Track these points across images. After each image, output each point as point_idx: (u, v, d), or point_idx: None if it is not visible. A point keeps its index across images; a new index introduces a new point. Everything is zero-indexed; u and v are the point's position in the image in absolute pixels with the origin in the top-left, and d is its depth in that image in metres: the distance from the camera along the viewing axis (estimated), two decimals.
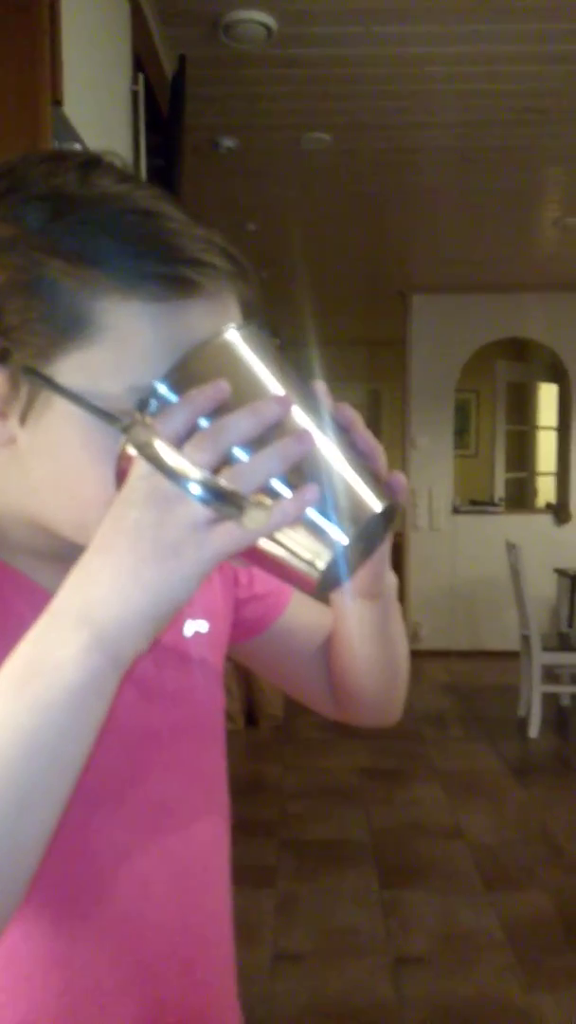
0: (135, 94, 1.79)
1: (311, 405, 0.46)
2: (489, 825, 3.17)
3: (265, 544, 0.44)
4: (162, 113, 2.16)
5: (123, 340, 0.45)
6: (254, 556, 0.45)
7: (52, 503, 0.50)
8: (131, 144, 1.77)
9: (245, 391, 0.44)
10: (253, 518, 0.41)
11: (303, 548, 0.44)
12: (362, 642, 0.68)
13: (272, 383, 0.45)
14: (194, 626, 0.65)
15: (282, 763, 3.77)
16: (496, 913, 2.55)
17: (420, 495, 5.70)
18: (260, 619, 0.74)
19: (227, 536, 0.41)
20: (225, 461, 0.42)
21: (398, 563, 5.65)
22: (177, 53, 2.25)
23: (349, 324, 6.75)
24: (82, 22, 1.44)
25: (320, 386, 0.48)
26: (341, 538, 0.44)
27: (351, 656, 0.70)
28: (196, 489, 0.41)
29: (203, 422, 0.43)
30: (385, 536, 0.53)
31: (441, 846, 3.00)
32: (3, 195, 0.47)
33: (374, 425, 7.58)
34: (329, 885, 2.74)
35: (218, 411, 0.43)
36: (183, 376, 0.44)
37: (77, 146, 1.34)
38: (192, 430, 0.42)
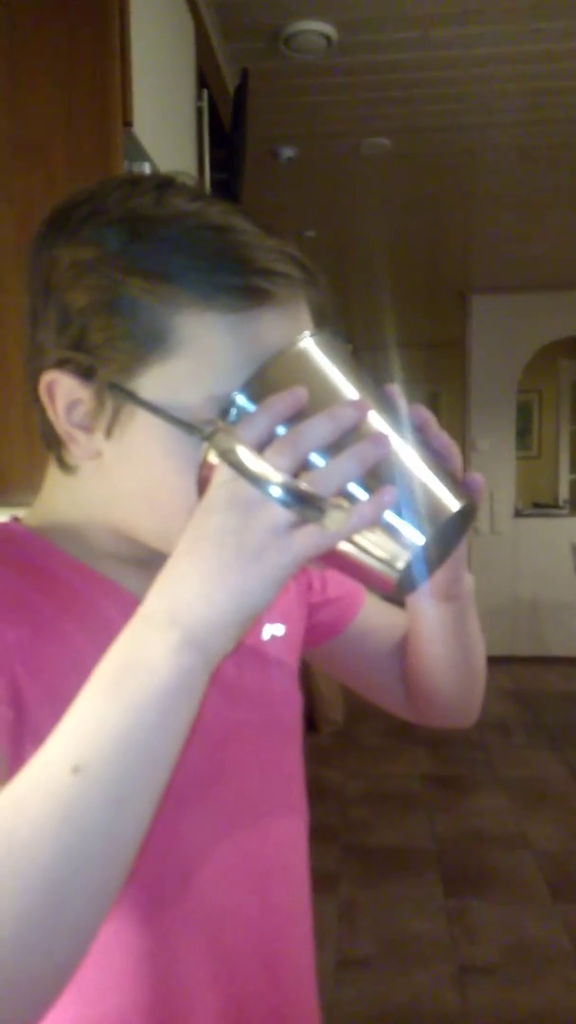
0: (199, 110, 1.83)
1: (386, 408, 0.47)
2: (555, 834, 3.11)
3: (344, 547, 0.45)
4: (224, 126, 2.19)
5: (201, 351, 0.47)
6: (334, 559, 0.46)
7: (137, 512, 0.53)
8: (195, 159, 1.81)
9: (322, 397, 0.45)
10: (333, 520, 0.42)
11: (381, 550, 0.45)
12: (439, 644, 0.68)
13: (347, 388, 0.46)
14: (271, 630, 0.66)
15: (343, 769, 3.77)
16: (563, 923, 2.51)
17: (482, 498, 5.62)
18: (335, 622, 0.75)
19: (308, 539, 0.42)
20: (304, 467, 0.43)
21: None
22: (239, 67, 2.29)
23: (408, 326, 6.70)
24: (149, 44, 1.47)
25: (394, 388, 0.49)
26: (419, 539, 0.44)
27: (429, 658, 0.70)
28: (278, 492, 0.42)
29: (281, 429, 0.44)
30: (462, 537, 0.53)
31: (506, 855, 2.96)
32: (84, 220, 0.50)
33: None
34: (392, 892, 2.72)
35: (296, 418, 0.44)
36: (261, 385, 0.46)
37: (147, 165, 1.37)
38: (271, 437, 0.43)
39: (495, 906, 2.63)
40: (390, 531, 0.44)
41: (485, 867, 2.88)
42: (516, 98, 2.70)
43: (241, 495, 0.42)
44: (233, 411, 0.46)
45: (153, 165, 1.41)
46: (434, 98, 2.69)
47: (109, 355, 0.48)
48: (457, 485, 0.47)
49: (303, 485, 0.42)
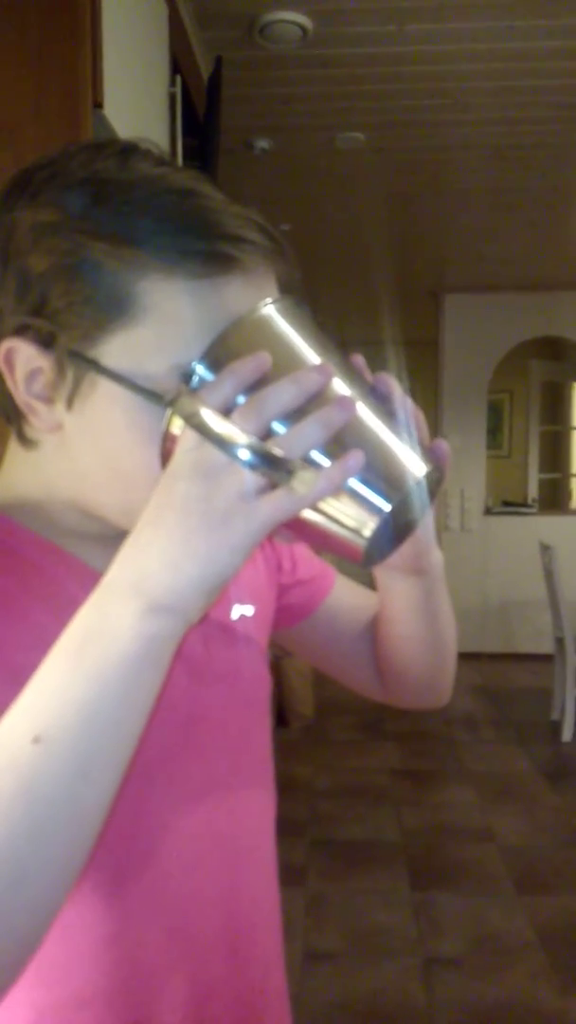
0: (172, 96, 1.81)
1: (351, 375, 0.46)
2: (521, 828, 3.15)
3: (311, 515, 0.45)
4: (198, 115, 2.17)
5: (165, 318, 0.46)
6: (302, 529, 0.46)
7: (99, 487, 0.51)
8: (168, 146, 1.79)
9: (286, 363, 0.44)
10: (301, 484, 0.41)
11: (349, 517, 0.44)
12: (408, 619, 0.67)
13: (312, 354, 0.46)
14: (240, 609, 0.65)
15: (313, 763, 3.77)
16: (528, 916, 2.53)
17: (452, 495, 5.67)
18: (305, 603, 0.75)
19: (275, 504, 0.41)
20: (269, 432, 0.42)
21: None
22: (213, 55, 2.27)
23: (382, 325, 6.72)
24: (121, 26, 1.45)
25: (358, 358, 0.49)
26: (385, 505, 0.44)
27: (397, 635, 0.70)
28: (245, 455, 0.41)
29: (243, 398, 0.43)
30: (430, 505, 0.53)
31: (472, 848, 2.98)
32: (45, 183, 0.48)
33: None
34: (359, 885, 2.73)
35: (260, 383, 0.43)
36: (224, 351, 0.45)
37: None
38: (235, 402, 0.43)
39: (461, 899, 2.65)
40: (357, 498, 0.44)
41: (451, 860, 2.90)
42: (490, 96, 2.72)
43: (207, 461, 0.41)
44: (195, 378, 0.45)
45: None
46: (409, 93, 2.70)
47: (70, 321, 0.47)
48: (423, 451, 0.47)
49: (271, 448, 0.41)
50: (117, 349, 0.47)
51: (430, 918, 2.53)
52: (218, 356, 0.45)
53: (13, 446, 0.55)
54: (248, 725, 0.64)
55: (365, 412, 0.45)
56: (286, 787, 3.33)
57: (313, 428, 0.42)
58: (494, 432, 6.58)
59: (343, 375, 0.46)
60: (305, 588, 0.75)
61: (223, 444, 0.41)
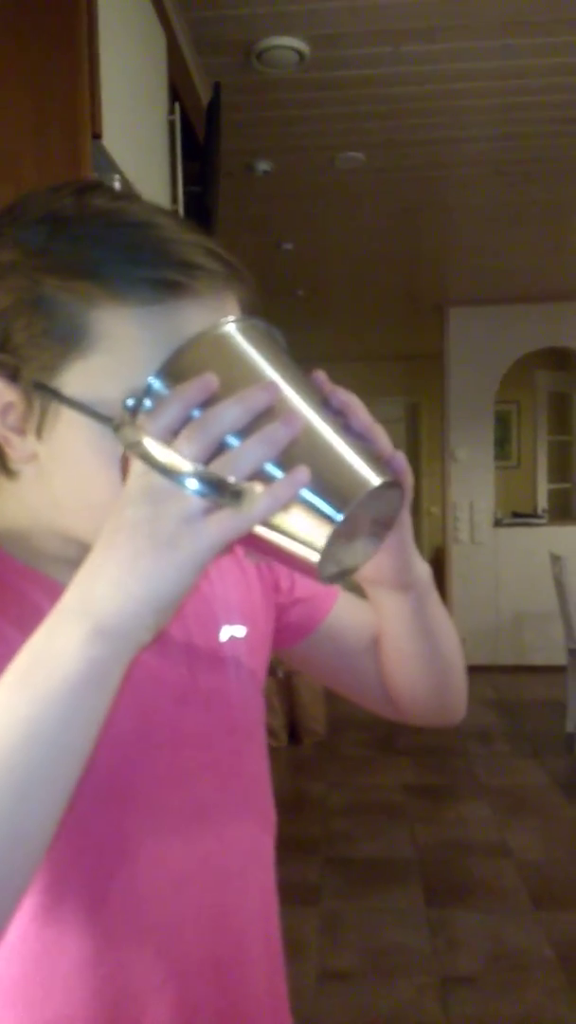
0: (171, 123, 1.84)
1: (305, 392, 0.47)
2: (537, 843, 3.12)
3: (264, 531, 0.45)
4: (198, 140, 2.21)
5: (118, 345, 0.47)
6: (255, 543, 0.46)
7: (72, 512, 0.53)
8: (168, 172, 1.82)
9: (238, 382, 0.45)
10: (247, 502, 0.41)
11: (301, 531, 0.44)
12: (402, 635, 0.67)
13: (265, 373, 0.46)
14: (230, 631, 0.65)
15: (325, 780, 3.75)
16: (545, 933, 2.51)
17: (461, 508, 5.66)
18: (305, 622, 0.75)
19: (222, 525, 0.42)
20: (219, 451, 0.43)
21: (440, 577, 5.61)
22: (212, 81, 2.30)
23: (386, 339, 6.75)
24: (120, 56, 1.48)
25: (319, 374, 0.49)
26: (334, 517, 0.44)
27: (395, 651, 0.70)
28: (187, 482, 0.42)
29: (197, 414, 0.44)
30: (395, 518, 0.52)
31: (488, 864, 2.96)
32: (6, 225, 0.51)
33: (413, 439, 7.55)
34: (375, 903, 2.71)
35: (209, 403, 0.44)
36: (176, 370, 0.46)
37: (116, 177, 1.38)
38: (186, 423, 0.44)
39: (477, 915, 2.63)
40: (307, 512, 0.44)
41: (467, 877, 2.87)
42: (488, 113, 2.74)
43: (154, 485, 0.42)
44: (147, 401, 0.46)
45: (123, 177, 1.41)
46: (407, 113, 2.72)
47: (31, 354, 0.49)
48: (378, 464, 0.47)
49: (214, 471, 0.42)
50: (75, 378, 0.48)
51: (446, 936, 2.51)
52: (171, 376, 0.46)
53: (1, 479, 0.57)
54: (237, 750, 0.64)
55: (317, 427, 0.45)
56: (298, 805, 3.31)
57: (256, 447, 0.42)
58: (502, 443, 6.57)
59: (298, 391, 0.46)
60: (305, 607, 0.74)
61: (165, 472, 0.42)
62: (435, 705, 0.75)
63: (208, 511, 0.42)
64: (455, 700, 0.75)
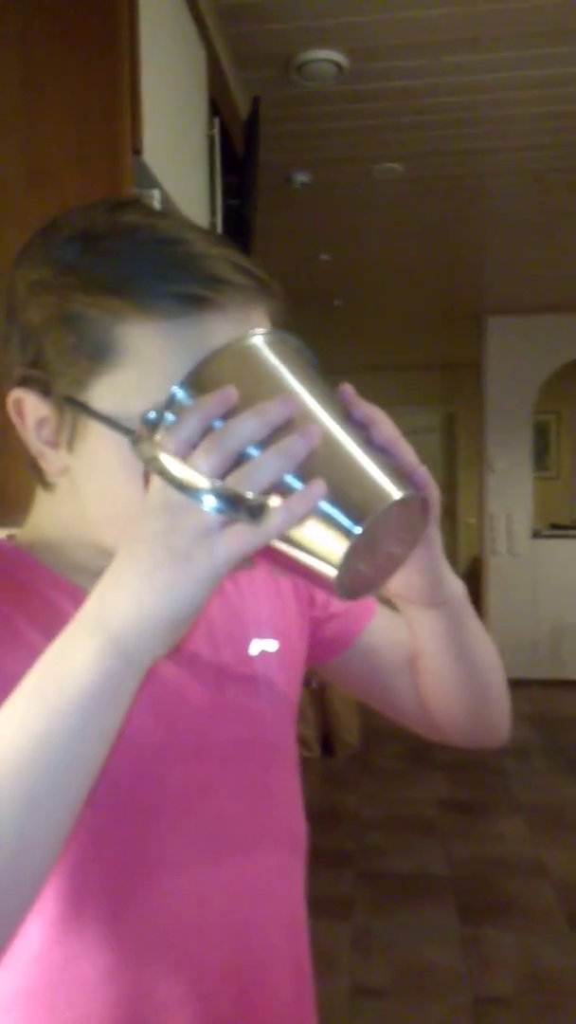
0: (211, 138, 1.86)
1: (327, 404, 0.46)
2: (574, 861, 3.05)
3: (282, 544, 0.44)
4: (237, 153, 2.23)
5: (144, 360, 0.48)
6: (273, 557, 0.46)
7: (101, 524, 0.54)
8: (207, 186, 1.83)
9: (260, 394, 0.44)
10: (262, 518, 0.41)
11: (319, 545, 0.43)
12: (436, 654, 0.66)
13: (288, 386, 0.46)
14: (261, 645, 0.65)
15: (359, 792, 3.73)
16: None
17: (498, 519, 5.59)
18: (341, 637, 0.74)
19: (237, 539, 0.42)
20: (239, 462, 0.42)
21: (476, 589, 5.55)
22: (251, 95, 2.32)
23: (423, 348, 6.72)
24: (161, 73, 1.51)
25: (346, 387, 0.49)
26: (352, 530, 0.43)
27: (429, 670, 0.68)
28: (203, 497, 0.41)
29: (219, 425, 0.44)
30: (420, 534, 0.51)
31: (524, 882, 2.90)
32: (40, 243, 0.52)
33: (450, 449, 7.49)
34: (407, 919, 2.68)
35: (230, 415, 0.44)
36: (199, 381, 0.46)
37: (156, 192, 1.40)
38: (199, 438, 0.43)
39: (512, 935, 2.58)
40: (326, 524, 0.43)
41: (502, 895, 2.83)
42: (528, 122, 2.72)
43: (171, 498, 0.43)
44: (168, 413, 0.46)
45: (163, 191, 1.43)
46: (445, 123, 2.72)
47: (61, 369, 0.50)
48: (400, 478, 0.46)
49: (231, 484, 0.41)
50: (104, 392, 0.49)
51: (480, 955, 2.47)
52: (196, 384, 0.46)
53: (38, 490, 0.59)
54: (265, 765, 0.64)
55: (338, 440, 0.45)
56: (331, 817, 3.28)
57: (273, 459, 0.42)
58: (541, 454, 6.48)
59: (322, 405, 0.46)
60: (340, 621, 0.74)
61: (181, 487, 0.42)
62: (474, 726, 0.73)
63: (224, 525, 0.42)
64: (496, 721, 0.73)
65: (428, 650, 0.67)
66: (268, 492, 0.42)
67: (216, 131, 1.85)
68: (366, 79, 2.41)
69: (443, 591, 0.60)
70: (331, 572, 0.44)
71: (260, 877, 0.61)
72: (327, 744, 4.19)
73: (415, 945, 2.53)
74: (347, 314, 5.40)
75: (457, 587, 0.61)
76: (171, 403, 0.46)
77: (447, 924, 2.64)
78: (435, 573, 0.58)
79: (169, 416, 0.46)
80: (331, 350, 5.98)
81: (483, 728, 0.73)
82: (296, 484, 0.43)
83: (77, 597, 0.55)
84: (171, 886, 0.56)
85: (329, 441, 0.44)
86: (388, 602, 0.66)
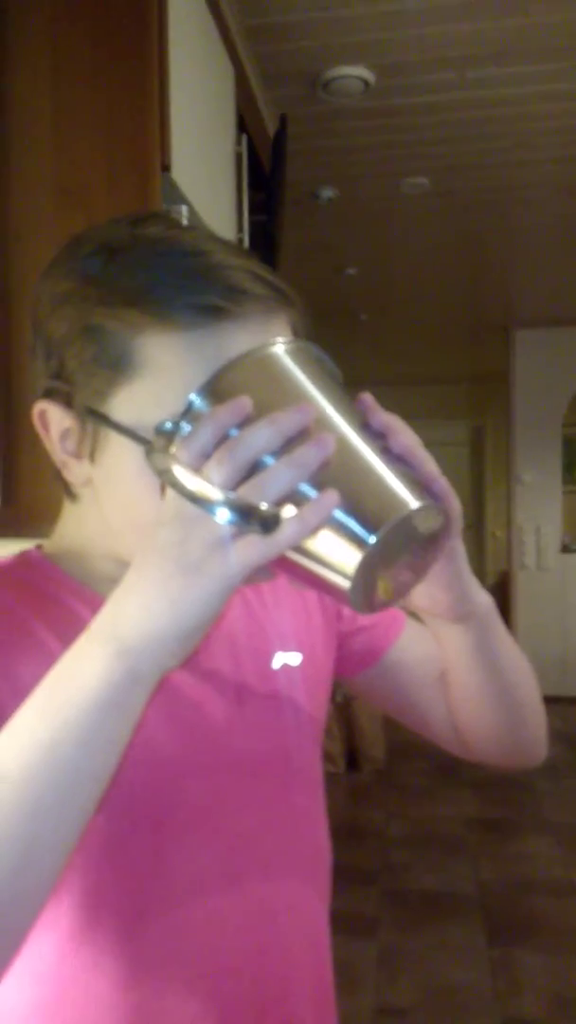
0: (238, 154, 1.88)
1: (344, 413, 0.45)
2: None
3: (296, 555, 0.44)
4: (264, 169, 2.24)
5: (161, 370, 0.48)
6: (288, 568, 0.45)
7: (121, 534, 0.54)
8: (234, 202, 1.85)
9: (276, 403, 0.44)
10: (275, 530, 0.41)
11: (332, 556, 0.43)
12: (465, 669, 0.64)
13: (301, 394, 0.45)
14: (284, 658, 0.64)
15: (385, 809, 3.69)
16: None
17: (527, 532, 5.54)
18: (369, 651, 0.73)
19: (250, 550, 0.41)
20: (253, 471, 0.42)
21: (504, 604, 5.49)
22: (277, 112, 2.34)
23: (450, 361, 6.70)
24: (190, 91, 1.53)
25: (366, 397, 0.48)
26: (366, 541, 0.42)
27: (458, 686, 0.67)
28: (215, 510, 0.41)
29: (235, 433, 0.43)
30: (441, 546, 0.50)
31: (554, 903, 2.85)
32: (68, 257, 0.52)
33: (478, 461, 7.45)
34: (434, 939, 2.64)
35: (246, 424, 0.43)
36: (217, 390, 0.46)
37: (184, 208, 1.41)
38: (212, 449, 0.43)
39: (541, 956, 2.53)
40: (340, 535, 0.42)
41: (531, 915, 2.77)
42: (555, 135, 2.72)
43: (185, 509, 0.42)
44: (184, 423, 0.46)
45: (191, 208, 1.45)
46: (472, 137, 2.72)
47: (83, 381, 0.50)
48: (418, 488, 0.45)
49: (241, 497, 0.41)
50: (123, 403, 0.49)
51: (509, 976, 2.42)
52: (214, 392, 0.46)
53: (64, 500, 0.59)
54: (285, 780, 0.63)
55: (354, 449, 0.44)
56: (356, 834, 3.26)
57: (286, 469, 0.42)
58: (570, 467, 6.40)
59: (339, 414, 0.45)
60: (368, 635, 0.72)
61: (193, 498, 0.42)
62: (508, 745, 0.71)
63: (237, 536, 0.41)
64: (530, 741, 0.71)
65: (457, 666, 0.65)
66: (282, 502, 0.42)
67: (244, 148, 1.87)
68: (392, 94, 2.42)
69: (469, 605, 0.59)
70: (345, 583, 0.43)
71: (280, 896, 0.60)
72: (352, 759, 4.16)
73: (442, 965, 2.49)
74: (373, 328, 5.41)
75: (484, 601, 0.60)
76: (188, 413, 0.46)
77: (474, 944, 2.60)
78: (460, 587, 0.57)
79: (185, 426, 0.46)
80: (357, 364, 5.99)
81: (517, 748, 0.71)
82: (311, 494, 0.42)
83: (98, 607, 0.56)
84: (188, 903, 0.55)
85: (345, 450, 0.44)
86: (416, 616, 0.65)
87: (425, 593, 0.57)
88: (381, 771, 4.14)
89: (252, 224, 1.94)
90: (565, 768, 4.24)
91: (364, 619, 0.72)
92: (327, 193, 3.13)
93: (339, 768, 4.09)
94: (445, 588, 0.56)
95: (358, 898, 2.81)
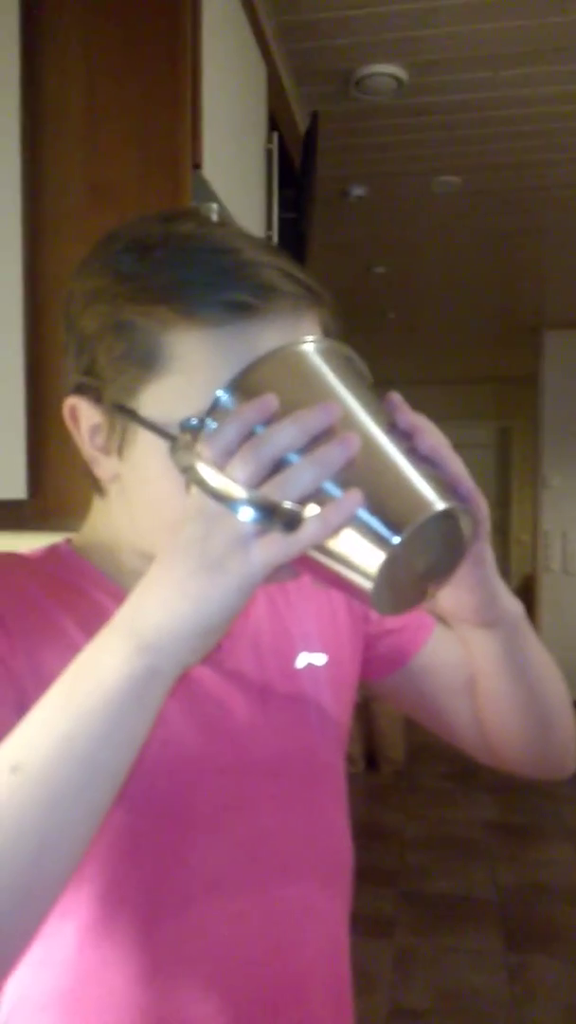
0: (269, 152, 1.88)
1: (371, 413, 0.45)
2: None
3: (319, 554, 0.43)
4: (295, 167, 2.24)
5: (190, 367, 0.48)
6: (310, 567, 0.45)
7: (148, 530, 0.54)
8: (264, 200, 1.85)
9: (302, 401, 0.44)
10: (297, 528, 0.41)
11: (355, 556, 0.42)
12: (493, 675, 0.63)
13: (327, 393, 0.45)
14: (308, 658, 0.64)
15: (403, 811, 3.68)
16: None
17: (553, 536, 5.48)
18: (396, 655, 0.72)
19: (272, 548, 0.41)
20: (277, 468, 0.42)
21: (529, 607, 5.43)
22: (309, 110, 2.34)
23: (478, 362, 6.65)
24: (222, 89, 1.53)
25: (394, 396, 0.48)
26: (389, 541, 0.41)
27: (486, 693, 0.66)
28: (238, 507, 0.41)
29: (260, 431, 0.43)
30: (466, 549, 0.49)
31: (573, 910, 2.82)
32: (97, 253, 0.53)
33: (504, 464, 7.38)
34: (451, 942, 2.63)
35: (271, 422, 0.43)
36: (244, 386, 0.46)
37: (215, 206, 1.42)
38: (236, 446, 0.43)
39: (559, 964, 2.51)
40: (364, 535, 0.42)
41: (550, 922, 2.75)
42: None
43: (208, 506, 0.42)
44: (209, 419, 0.46)
45: (221, 205, 1.45)
46: (505, 136, 2.70)
47: (112, 376, 0.51)
48: (445, 489, 0.44)
49: (267, 492, 0.41)
50: (151, 399, 0.50)
51: (525, 982, 2.40)
52: (241, 388, 0.46)
53: (94, 495, 0.59)
54: (308, 780, 0.62)
55: (380, 448, 0.44)
56: (374, 834, 3.25)
57: (309, 468, 0.41)
58: None
59: (366, 412, 0.45)
60: (396, 639, 0.72)
61: (217, 496, 0.42)
62: (536, 753, 0.69)
63: (260, 534, 0.41)
64: (559, 750, 0.70)
65: (484, 672, 0.64)
66: (306, 501, 0.41)
67: (275, 145, 1.86)
68: (425, 92, 2.41)
69: (496, 610, 0.58)
70: (367, 584, 0.43)
71: (299, 897, 0.60)
72: (371, 760, 4.15)
73: (457, 969, 2.48)
74: (400, 327, 5.38)
75: (513, 606, 0.59)
76: (214, 409, 0.46)
77: (491, 949, 2.58)
78: (487, 591, 0.56)
79: (211, 423, 0.46)
80: (383, 363, 5.96)
81: (545, 756, 0.70)
82: (335, 493, 0.42)
83: (124, 601, 0.56)
84: (205, 901, 0.55)
85: (370, 449, 0.43)
86: (444, 621, 0.64)
87: (451, 597, 0.56)
88: (400, 772, 4.12)
89: (282, 222, 1.94)
90: None
91: (391, 622, 0.71)
92: (357, 191, 3.12)
93: (358, 769, 4.08)
94: (471, 592, 0.55)
95: (375, 898, 2.81)
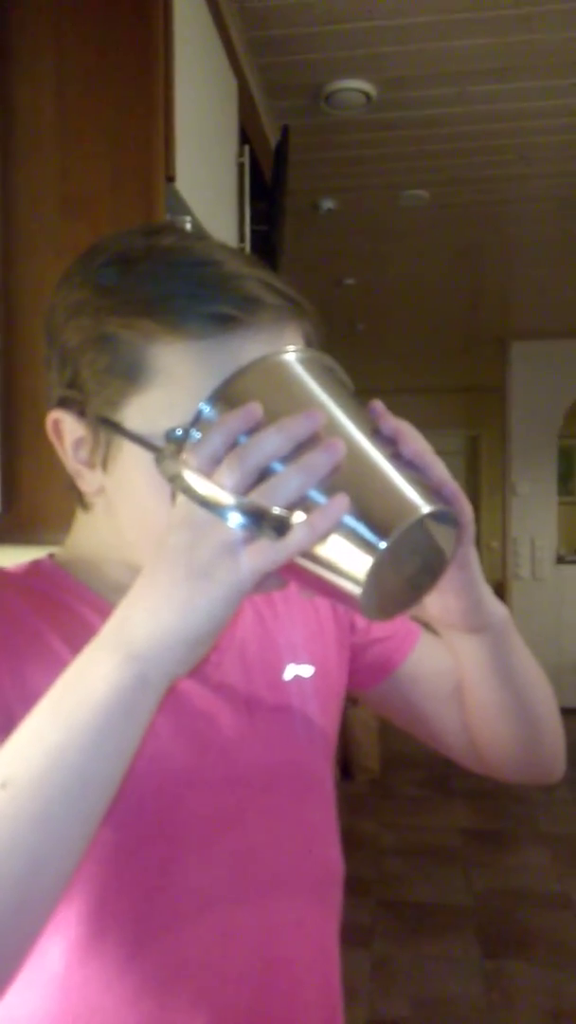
0: (241, 165, 1.89)
1: (355, 420, 0.46)
2: None
3: (306, 561, 0.44)
4: (266, 180, 2.26)
5: (173, 379, 0.48)
6: (298, 575, 0.45)
7: (134, 543, 0.54)
8: (236, 212, 1.86)
9: (286, 410, 0.44)
10: (285, 534, 0.41)
11: (343, 562, 0.42)
12: (480, 682, 0.63)
13: (310, 401, 0.45)
14: (296, 670, 0.64)
15: (378, 819, 3.68)
16: None
17: (522, 543, 5.55)
18: (383, 664, 0.72)
19: (260, 555, 0.41)
20: (263, 477, 0.42)
21: None
22: (280, 124, 2.36)
23: (446, 372, 6.73)
24: (194, 103, 1.54)
25: (376, 404, 0.49)
26: (376, 546, 0.42)
27: (474, 699, 0.66)
28: (226, 514, 0.41)
29: (244, 440, 0.43)
30: (452, 553, 0.49)
31: (548, 916, 2.84)
32: (82, 267, 0.53)
33: (473, 472, 7.46)
34: (428, 950, 2.63)
35: (255, 431, 0.43)
36: (227, 397, 0.46)
37: (188, 218, 1.42)
38: (223, 454, 0.43)
39: (536, 970, 2.52)
40: (351, 540, 0.42)
41: (525, 928, 2.77)
42: (555, 150, 2.74)
43: (194, 514, 0.42)
44: (194, 430, 0.46)
45: (194, 218, 1.46)
46: (472, 151, 2.74)
47: (95, 390, 0.51)
48: (429, 493, 0.45)
49: (254, 499, 0.41)
50: (135, 412, 0.50)
51: (502, 989, 2.42)
52: (224, 399, 0.46)
53: (77, 509, 0.59)
54: (297, 794, 0.62)
55: (364, 454, 0.44)
56: (350, 843, 3.22)
57: (295, 475, 0.41)
58: (566, 478, 6.43)
59: (350, 420, 0.45)
60: (382, 647, 0.72)
61: (204, 503, 0.42)
62: (524, 760, 0.70)
63: (247, 541, 0.41)
64: (547, 756, 0.70)
65: (472, 678, 0.64)
66: (293, 508, 0.41)
67: (246, 159, 1.88)
68: (394, 108, 2.44)
69: (483, 614, 0.58)
70: (356, 589, 0.43)
71: (289, 912, 0.59)
72: (346, 769, 4.15)
73: (435, 976, 2.49)
74: (370, 337, 5.42)
75: (499, 612, 0.59)
76: (198, 420, 0.47)
77: (468, 956, 2.59)
78: (473, 595, 0.56)
79: (195, 433, 0.46)
80: (353, 373, 5.96)
81: (533, 763, 0.70)
82: (321, 499, 0.42)
83: (109, 615, 0.56)
84: (195, 917, 0.55)
85: (355, 456, 0.44)
86: (431, 628, 0.65)
87: (438, 602, 0.56)
88: (375, 781, 4.13)
89: (253, 234, 1.95)
90: (559, 780, 4.23)
91: (378, 631, 0.71)
92: (327, 204, 3.15)
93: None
94: (458, 596, 0.55)
95: (351, 908, 2.78)
